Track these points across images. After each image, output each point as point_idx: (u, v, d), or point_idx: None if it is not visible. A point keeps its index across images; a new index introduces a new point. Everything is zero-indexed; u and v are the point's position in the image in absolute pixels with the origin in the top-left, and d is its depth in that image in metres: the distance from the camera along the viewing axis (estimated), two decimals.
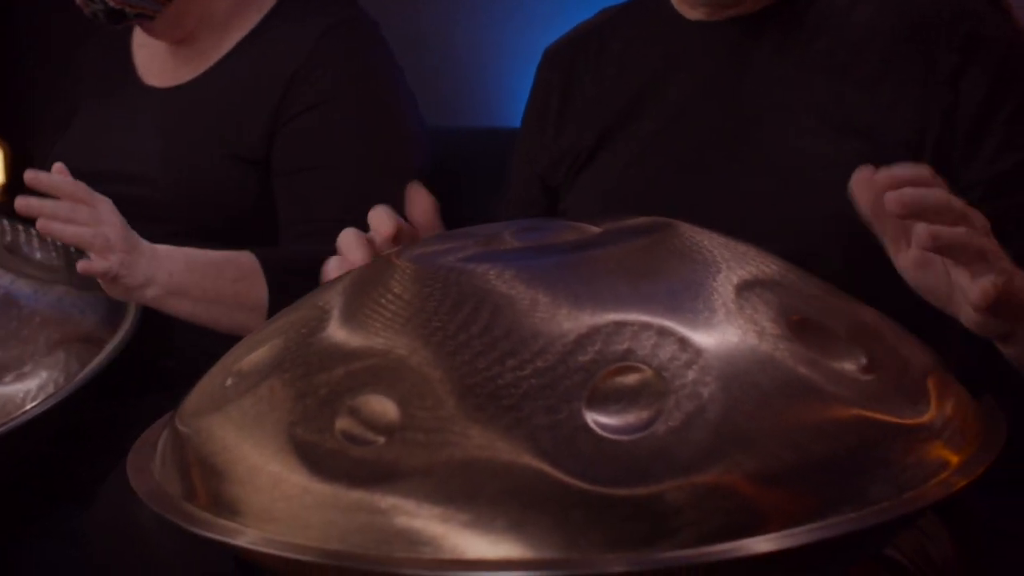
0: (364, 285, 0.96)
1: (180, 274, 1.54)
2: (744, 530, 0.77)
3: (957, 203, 0.95)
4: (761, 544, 0.77)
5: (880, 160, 1.23)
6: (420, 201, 1.12)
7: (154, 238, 1.52)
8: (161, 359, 1.67)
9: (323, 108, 1.64)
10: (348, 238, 1.09)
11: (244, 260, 1.59)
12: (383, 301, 0.92)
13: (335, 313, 0.94)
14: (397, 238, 1.09)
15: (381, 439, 0.81)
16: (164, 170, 1.67)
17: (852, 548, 0.87)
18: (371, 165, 1.64)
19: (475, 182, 1.74)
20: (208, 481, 0.88)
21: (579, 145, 1.37)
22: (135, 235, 1.49)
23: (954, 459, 0.88)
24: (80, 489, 1.56)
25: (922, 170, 0.97)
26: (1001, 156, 1.22)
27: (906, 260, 1.02)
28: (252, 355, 0.96)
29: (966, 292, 0.97)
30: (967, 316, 1.00)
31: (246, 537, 0.81)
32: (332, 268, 1.09)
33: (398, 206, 1.14)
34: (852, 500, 0.81)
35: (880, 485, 0.82)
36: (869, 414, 0.84)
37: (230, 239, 1.62)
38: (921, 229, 0.93)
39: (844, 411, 0.83)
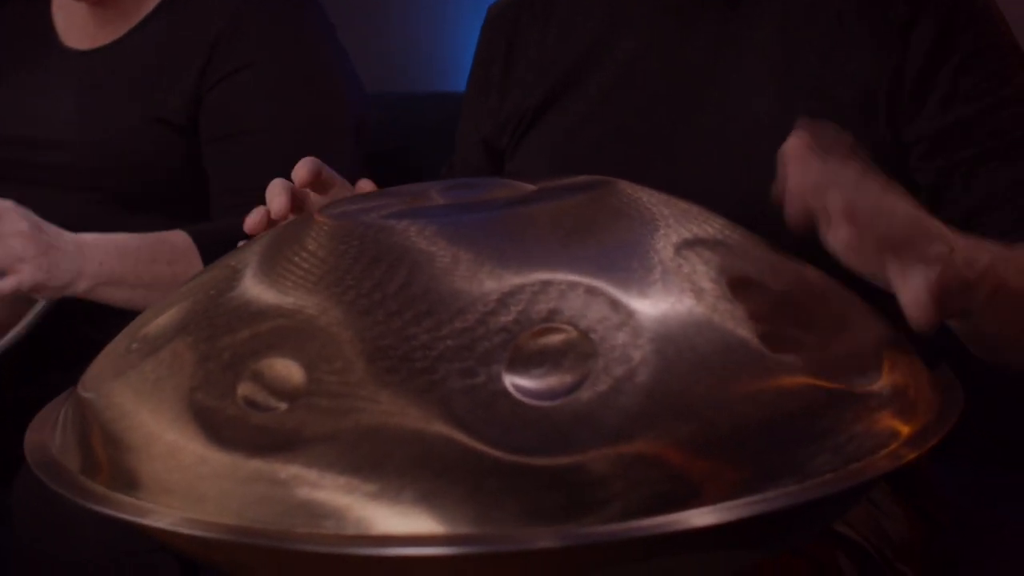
0: (280, 243, 0.90)
1: (111, 262, 1.48)
2: (676, 503, 0.71)
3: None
4: (698, 517, 0.71)
5: (830, 123, 1.18)
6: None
7: (76, 207, 1.47)
8: (90, 332, 1.60)
9: (250, 71, 1.58)
10: (273, 187, 1.05)
11: (178, 240, 1.54)
12: (296, 259, 0.86)
13: (247, 273, 0.88)
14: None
15: (284, 405, 0.75)
16: (83, 135, 1.61)
17: (797, 523, 0.81)
18: (303, 129, 1.58)
19: (423, 148, 1.69)
20: (106, 450, 0.82)
21: (524, 107, 1.32)
22: (52, 231, 1.43)
23: (905, 430, 0.82)
24: (3, 466, 1.51)
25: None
26: (946, 110, 1.16)
27: (833, 243, 0.90)
28: (159, 319, 0.90)
29: (899, 295, 0.90)
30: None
31: (128, 510, 0.75)
32: (252, 220, 1.03)
33: (337, 163, 1.09)
34: (794, 471, 0.75)
35: (824, 456, 0.76)
36: (813, 380, 0.78)
37: (157, 207, 1.57)
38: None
39: (786, 377, 0.77)
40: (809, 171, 0.85)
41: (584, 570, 0.73)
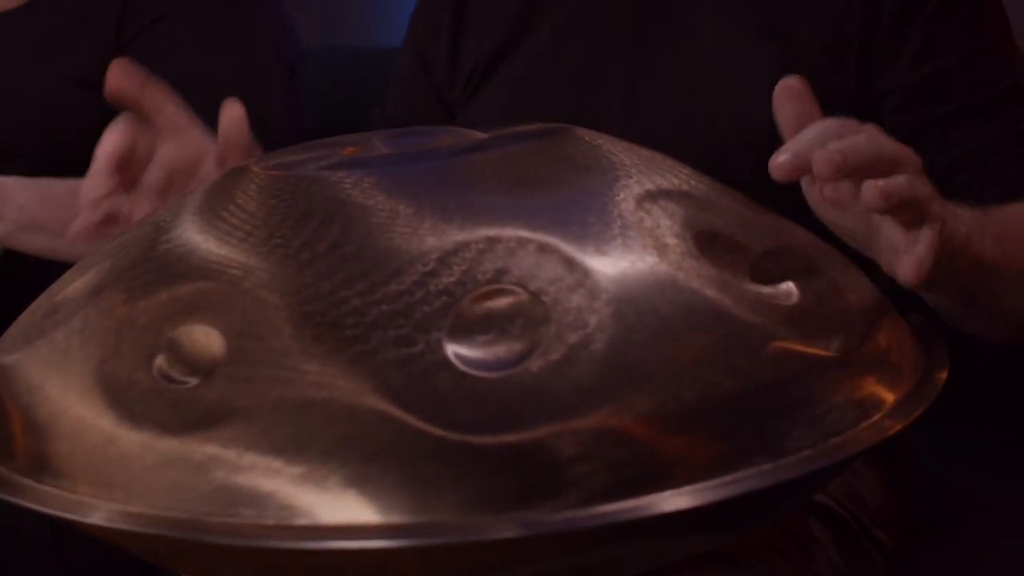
0: (211, 197, 0.82)
1: (33, 206, 1.39)
2: (639, 485, 0.64)
3: (889, 146, 0.80)
4: (662, 502, 0.64)
5: (797, 67, 1.11)
6: (231, 111, 0.97)
7: (8, 173, 1.38)
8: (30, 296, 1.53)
9: (168, 21, 1.49)
10: (110, 126, 0.97)
11: None
12: (224, 214, 0.78)
13: (172, 231, 0.80)
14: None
15: (201, 377, 0.67)
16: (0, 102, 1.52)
17: (772, 502, 0.74)
18: (228, 80, 1.49)
19: (370, 104, 1.61)
20: (10, 427, 0.74)
21: (478, 56, 1.24)
22: None
23: (889, 398, 0.75)
24: None
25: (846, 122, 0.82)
26: (921, 62, 1.10)
27: (819, 197, 0.85)
28: (76, 282, 0.82)
29: (897, 252, 0.83)
30: (889, 266, 0.86)
31: (23, 495, 0.67)
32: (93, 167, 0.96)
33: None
34: (768, 448, 0.67)
35: (802, 429, 0.69)
36: (788, 345, 0.71)
37: (82, 172, 1.48)
38: (871, 189, 0.78)
39: (759, 342, 0.70)
40: (807, 115, 0.81)
41: (537, 560, 0.66)
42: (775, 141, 0.87)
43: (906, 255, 0.81)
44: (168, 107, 0.99)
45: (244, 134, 0.96)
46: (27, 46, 1.54)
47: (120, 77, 0.96)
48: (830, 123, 0.80)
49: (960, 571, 1.16)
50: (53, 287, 0.85)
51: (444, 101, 1.28)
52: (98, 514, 0.65)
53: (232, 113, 0.97)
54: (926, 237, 0.81)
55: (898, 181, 0.78)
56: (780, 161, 0.77)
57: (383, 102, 1.33)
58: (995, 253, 0.95)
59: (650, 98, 1.14)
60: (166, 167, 0.99)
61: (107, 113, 1.49)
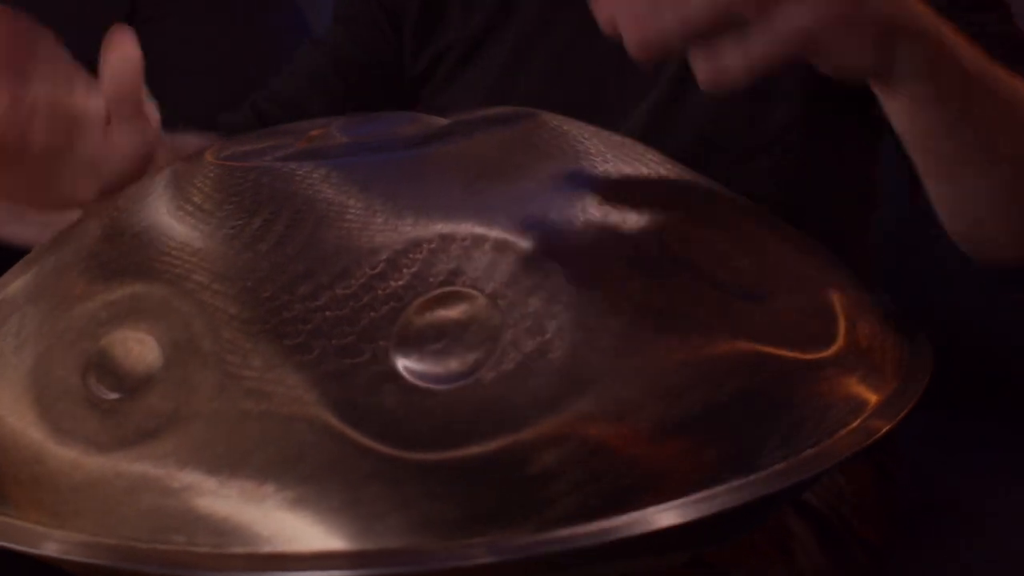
0: (165, 188, 0.77)
1: None
2: (602, 506, 0.59)
3: None
4: (627, 527, 0.59)
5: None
6: (119, 47, 0.81)
7: None
8: None
9: (177, 16, 1.46)
10: None
11: None
12: (172, 208, 0.74)
13: (119, 225, 0.76)
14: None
15: (134, 389, 0.63)
16: None
17: (758, 513, 0.70)
18: (232, 71, 1.47)
19: None
20: None
21: (453, 38, 1.19)
22: None
23: (873, 398, 0.70)
24: None
25: None
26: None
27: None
28: (16, 281, 0.77)
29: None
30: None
31: None
32: None
33: None
34: (746, 457, 0.63)
35: (781, 436, 0.65)
36: (763, 348, 0.66)
37: None
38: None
39: (730, 345, 0.65)
40: None
41: None
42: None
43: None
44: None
45: (136, 82, 0.82)
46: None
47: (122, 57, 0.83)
48: None
49: (945, 565, 1.14)
50: None
51: (399, 62, 1.23)
52: (17, 536, 0.60)
53: (122, 51, 0.81)
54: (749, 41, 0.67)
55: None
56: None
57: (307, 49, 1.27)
58: (978, 68, 0.83)
59: (637, 86, 1.10)
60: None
61: None
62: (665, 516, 0.59)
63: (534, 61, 1.16)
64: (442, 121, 0.83)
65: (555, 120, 0.80)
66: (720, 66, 0.67)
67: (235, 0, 1.58)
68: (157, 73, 1.20)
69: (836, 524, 1.07)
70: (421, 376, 0.60)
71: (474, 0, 1.20)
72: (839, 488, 1.10)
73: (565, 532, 0.58)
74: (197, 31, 1.51)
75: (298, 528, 0.57)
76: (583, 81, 1.13)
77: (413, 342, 0.61)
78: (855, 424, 0.68)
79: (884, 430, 0.68)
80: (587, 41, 1.12)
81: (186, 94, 1.46)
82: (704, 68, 0.67)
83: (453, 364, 0.61)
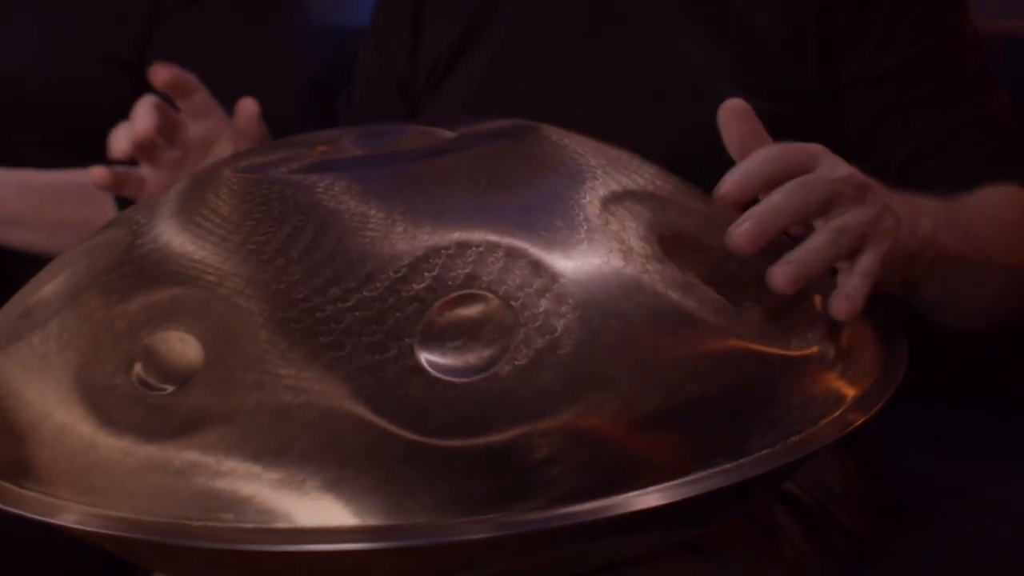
0: (185, 199, 0.83)
1: (13, 201, 1.39)
2: (606, 486, 0.66)
3: (819, 189, 0.78)
4: (627, 502, 0.66)
5: (757, 61, 1.12)
6: (246, 108, 1.02)
7: (21, 145, 1.38)
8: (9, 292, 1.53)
9: (198, 7, 1.49)
10: (141, 104, 1.01)
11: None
12: (198, 219, 0.79)
13: (147, 232, 0.81)
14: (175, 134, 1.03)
15: (179, 384, 0.69)
16: (37, 70, 1.51)
17: (741, 498, 0.76)
18: (254, 69, 1.49)
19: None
20: None
21: (438, 52, 1.25)
22: None
23: (850, 392, 0.77)
24: None
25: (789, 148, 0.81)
26: (883, 53, 1.11)
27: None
28: (51, 284, 0.83)
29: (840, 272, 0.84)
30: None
31: (7, 499, 0.69)
32: (117, 136, 0.98)
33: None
34: (732, 447, 0.69)
35: (764, 427, 0.71)
36: (751, 346, 0.73)
37: (99, 151, 1.49)
38: (776, 276, 0.77)
39: (722, 343, 0.72)
40: (753, 135, 0.82)
41: (509, 559, 0.68)
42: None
43: (836, 293, 0.80)
44: (196, 95, 1.07)
45: (255, 128, 1.04)
46: (68, 17, 1.53)
47: (166, 71, 1.05)
48: (774, 152, 0.80)
49: (927, 554, 1.17)
50: (26, 288, 0.86)
51: (407, 94, 1.29)
52: (76, 517, 0.66)
53: (248, 109, 1.05)
54: (863, 266, 0.80)
55: (799, 258, 0.77)
56: (723, 194, 0.79)
57: (347, 93, 1.34)
58: (963, 244, 0.96)
59: (610, 93, 1.15)
60: (185, 146, 1.04)
61: (131, 92, 1.50)
62: (664, 494, 0.65)
63: (509, 70, 1.21)
64: (448, 133, 0.89)
65: (555, 134, 0.86)
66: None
67: None
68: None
69: (820, 515, 1.12)
70: (443, 370, 0.66)
71: (450, 16, 1.25)
72: (824, 480, 1.15)
73: (571, 509, 0.64)
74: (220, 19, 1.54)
75: (336, 506, 0.63)
76: (556, 89, 1.18)
77: (435, 339, 0.67)
78: (835, 415, 0.75)
79: (860, 421, 0.75)
80: (559, 51, 1.18)
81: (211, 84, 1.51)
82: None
83: (472, 359, 0.67)
